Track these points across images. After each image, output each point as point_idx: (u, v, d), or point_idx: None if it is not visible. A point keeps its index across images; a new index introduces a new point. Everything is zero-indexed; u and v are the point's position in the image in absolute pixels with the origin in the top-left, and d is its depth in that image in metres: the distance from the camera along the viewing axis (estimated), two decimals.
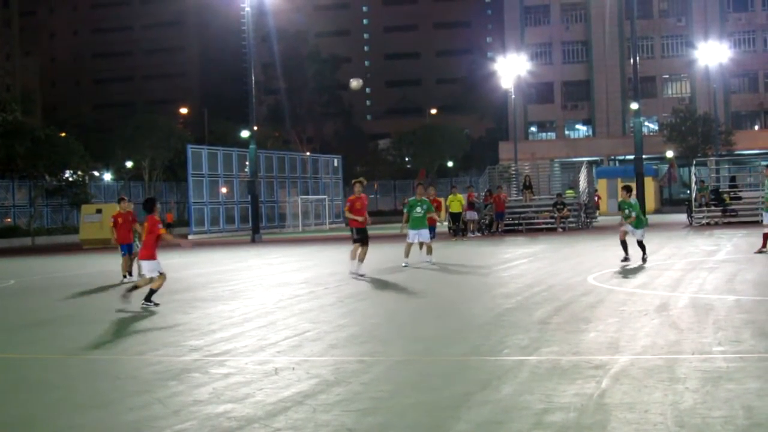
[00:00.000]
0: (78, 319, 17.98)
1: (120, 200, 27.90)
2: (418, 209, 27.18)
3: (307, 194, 78.93)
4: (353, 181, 25.61)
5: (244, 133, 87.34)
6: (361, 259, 24.30)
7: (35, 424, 9.02)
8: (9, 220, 73.31)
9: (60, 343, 14.77)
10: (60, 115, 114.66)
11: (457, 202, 46.08)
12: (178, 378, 10.91)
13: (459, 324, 15.04)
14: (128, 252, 26.22)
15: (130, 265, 25.96)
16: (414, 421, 8.50)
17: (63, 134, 78.12)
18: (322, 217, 79.40)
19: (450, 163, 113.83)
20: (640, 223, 25.20)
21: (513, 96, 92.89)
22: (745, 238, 36.20)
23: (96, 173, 79.27)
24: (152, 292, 18.67)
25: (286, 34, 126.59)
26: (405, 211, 28.28)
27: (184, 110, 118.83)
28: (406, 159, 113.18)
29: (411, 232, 27.20)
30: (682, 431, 7.72)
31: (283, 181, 77.26)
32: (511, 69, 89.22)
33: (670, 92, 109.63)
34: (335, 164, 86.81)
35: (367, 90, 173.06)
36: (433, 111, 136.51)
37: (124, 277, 25.84)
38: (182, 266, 33.31)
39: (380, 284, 22.12)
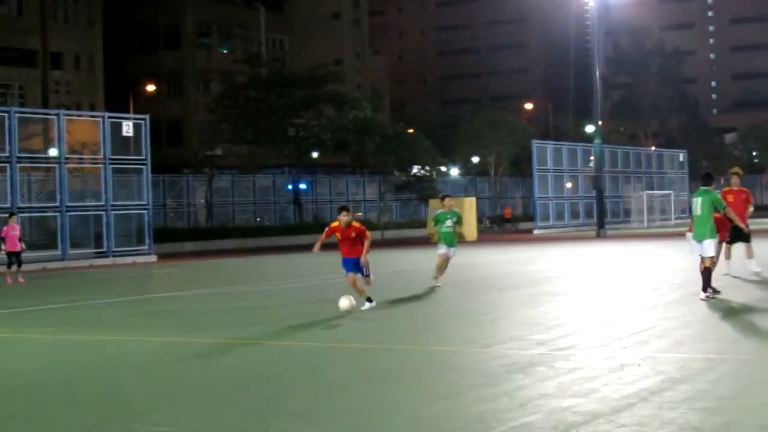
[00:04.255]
0: (435, 314, 18.41)
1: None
2: (449, 222, 22.99)
3: (652, 189, 77.78)
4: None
5: (589, 128, 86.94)
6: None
7: (383, 412, 9.40)
8: (360, 213, 75.63)
9: (408, 336, 15.31)
10: (407, 111, 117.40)
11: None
12: (524, 371, 11.07)
13: None
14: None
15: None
16: (763, 422, 8.35)
17: (411, 130, 80.00)
18: (667, 212, 77.97)
19: None
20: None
21: None
22: None
23: (443, 168, 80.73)
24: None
25: (630, 28, 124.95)
26: (432, 225, 25.03)
27: (528, 106, 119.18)
28: (753, 153, 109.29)
29: (442, 246, 23.04)
30: None
31: (627, 176, 76.48)
32: None
33: None
34: (680, 159, 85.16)
35: (713, 83, 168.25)
36: None
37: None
38: (526, 261, 33.63)
39: (730, 281, 21.46)
